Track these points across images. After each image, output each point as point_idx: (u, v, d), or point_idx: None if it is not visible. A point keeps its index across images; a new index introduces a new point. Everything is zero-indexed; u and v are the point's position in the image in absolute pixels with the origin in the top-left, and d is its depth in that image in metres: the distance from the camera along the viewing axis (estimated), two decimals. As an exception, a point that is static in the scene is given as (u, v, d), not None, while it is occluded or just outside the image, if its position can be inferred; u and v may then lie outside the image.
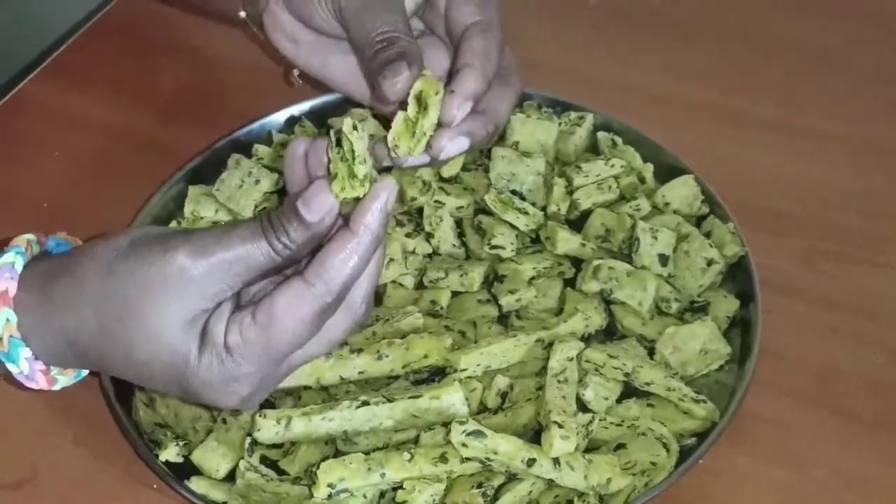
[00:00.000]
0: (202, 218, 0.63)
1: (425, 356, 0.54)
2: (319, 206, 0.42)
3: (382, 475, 0.49)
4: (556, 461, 0.49)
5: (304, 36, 0.58)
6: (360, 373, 0.54)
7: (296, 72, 0.62)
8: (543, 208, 0.62)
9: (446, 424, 0.51)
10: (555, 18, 0.78)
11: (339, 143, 0.43)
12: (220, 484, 0.51)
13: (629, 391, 0.55)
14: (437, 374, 0.55)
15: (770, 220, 0.64)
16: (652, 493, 0.49)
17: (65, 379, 0.48)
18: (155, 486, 0.53)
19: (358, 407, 0.51)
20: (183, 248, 0.42)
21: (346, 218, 0.43)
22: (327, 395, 0.54)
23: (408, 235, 0.61)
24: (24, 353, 0.46)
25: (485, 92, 0.50)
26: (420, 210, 0.62)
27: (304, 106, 0.69)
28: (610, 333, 0.58)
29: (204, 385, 0.43)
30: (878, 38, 0.76)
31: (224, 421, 0.53)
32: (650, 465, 0.51)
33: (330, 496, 0.49)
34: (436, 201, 0.62)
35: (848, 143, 0.69)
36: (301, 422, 0.51)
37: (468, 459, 0.50)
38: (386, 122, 0.50)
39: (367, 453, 0.50)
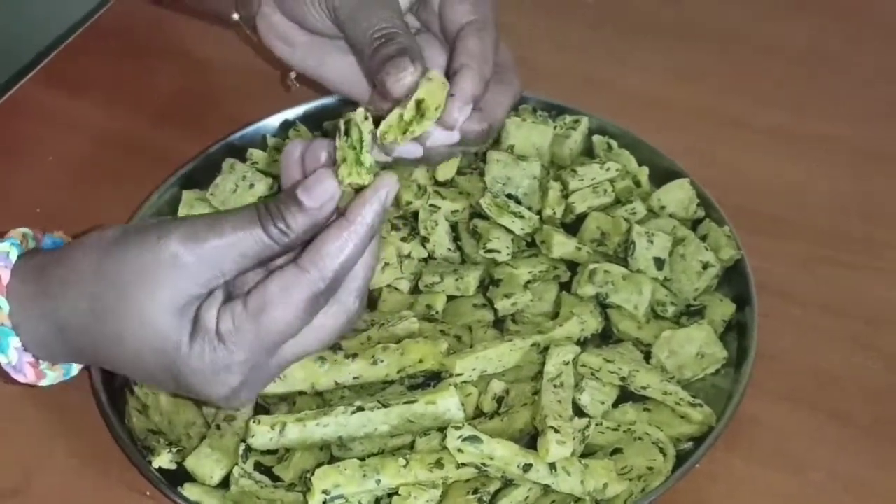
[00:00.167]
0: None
1: (421, 361, 0.53)
2: (321, 193, 0.42)
3: (378, 481, 0.49)
4: (552, 466, 0.49)
5: (298, 37, 0.58)
6: (354, 378, 0.53)
7: (293, 75, 0.62)
8: (539, 212, 0.62)
9: (442, 430, 0.51)
10: (550, 19, 0.78)
11: (346, 133, 0.43)
12: (214, 491, 0.51)
13: (625, 395, 0.54)
14: (432, 379, 0.55)
15: (766, 224, 0.64)
16: (649, 497, 0.49)
17: (53, 374, 0.48)
18: (148, 494, 0.52)
19: (353, 412, 0.51)
20: (176, 234, 0.42)
21: (341, 213, 0.43)
22: (322, 400, 0.54)
23: (403, 239, 0.61)
24: (14, 342, 0.46)
25: (483, 93, 0.50)
26: (415, 214, 0.62)
27: (299, 110, 0.69)
28: (606, 337, 0.58)
29: (194, 373, 0.43)
30: (878, 40, 0.76)
31: (218, 427, 0.53)
32: (647, 470, 0.51)
33: (325, 503, 0.48)
34: (431, 205, 0.62)
35: (846, 146, 0.69)
36: (296, 428, 0.50)
37: (464, 465, 0.49)
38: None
39: (362, 459, 0.50)
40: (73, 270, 0.44)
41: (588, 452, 0.52)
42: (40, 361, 0.47)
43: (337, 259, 0.42)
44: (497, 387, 0.54)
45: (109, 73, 0.76)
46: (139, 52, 0.77)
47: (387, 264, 0.59)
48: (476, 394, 0.54)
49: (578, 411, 0.53)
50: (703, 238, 0.60)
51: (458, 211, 0.62)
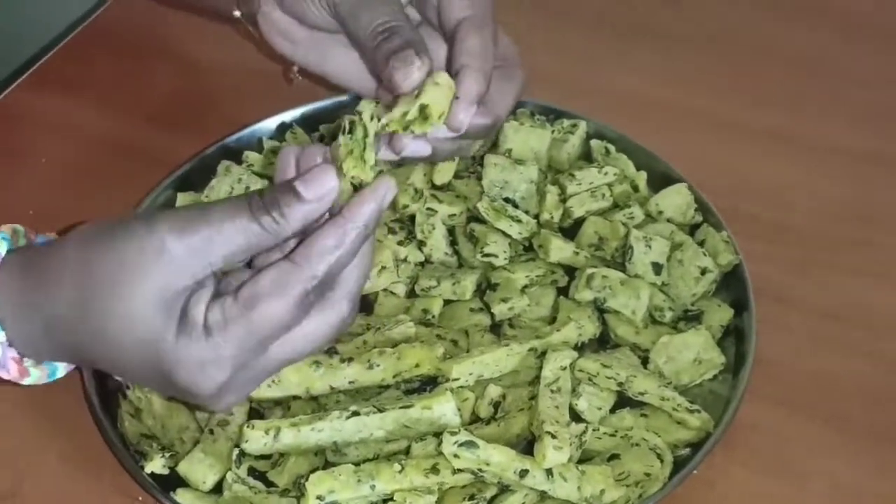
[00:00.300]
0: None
1: (417, 365, 0.53)
2: (320, 185, 0.42)
3: (373, 487, 0.48)
4: (548, 472, 0.49)
5: (299, 33, 0.58)
6: (350, 382, 0.53)
7: (295, 69, 0.61)
8: (536, 216, 0.62)
9: (438, 435, 0.50)
10: (547, 22, 0.78)
11: (350, 131, 0.43)
12: (207, 496, 0.51)
13: (623, 401, 0.54)
14: (428, 384, 0.54)
15: (764, 229, 0.64)
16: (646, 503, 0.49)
17: (37, 373, 0.47)
18: (140, 499, 0.52)
19: (348, 417, 0.50)
20: (163, 224, 0.41)
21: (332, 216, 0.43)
22: (317, 405, 0.54)
23: (399, 243, 0.60)
24: None
25: (486, 90, 0.49)
26: (412, 218, 0.62)
27: (296, 112, 0.68)
28: (603, 342, 0.57)
29: (179, 365, 0.42)
30: (876, 42, 0.76)
31: (211, 432, 0.52)
32: (644, 476, 0.50)
33: (319, 508, 0.48)
34: (428, 209, 0.61)
35: (844, 149, 0.69)
36: (290, 432, 0.50)
37: (460, 471, 0.49)
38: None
39: (357, 465, 0.49)
40: (59, 262, 0.43)
41: (585, 458, 0.51)
42: (25, 359, 0.46)
43: (331, 256, 0.42)
44: (494, 392, 0.53)
45: (104, 75, 0.75)
46: (134, 54, 0.77)
47: (383, 268, 0.59)
48: (472, 399, 0.54)
49: (575, 417, 0.53)
50: (701, 243, 0.60)
51: (455, 215, 0.62)
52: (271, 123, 0.68)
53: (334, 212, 0.44)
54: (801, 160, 0.68)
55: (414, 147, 0.46)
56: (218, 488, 0.51)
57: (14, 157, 0.70)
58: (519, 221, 0.60)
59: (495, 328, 0.58)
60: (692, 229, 0.62)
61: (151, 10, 0.79)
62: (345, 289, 0.44)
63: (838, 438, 0.54)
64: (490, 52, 0.49)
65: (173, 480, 0.51)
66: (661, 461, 0.51)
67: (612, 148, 0.65)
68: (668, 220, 0.61)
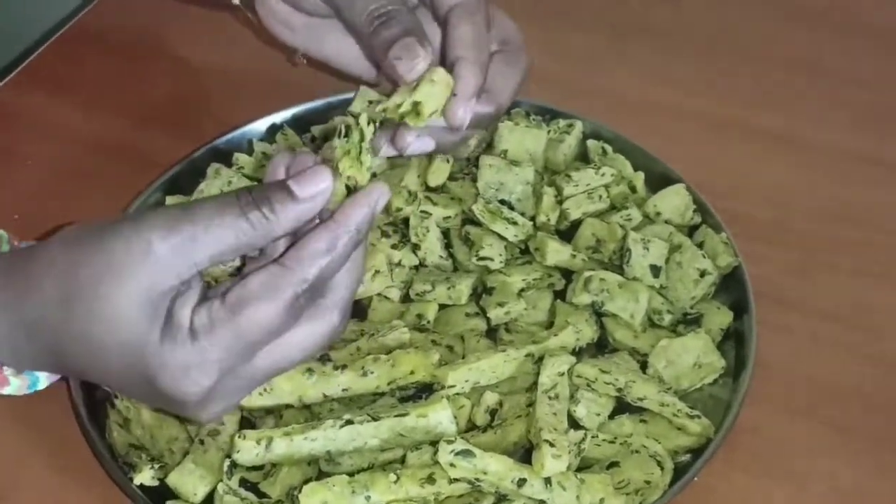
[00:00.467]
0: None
1: (412, 372, 0.52)
2: (313, 185, 0.41)
3: (368, 498, 0.47)
4: (547, 481, 0.48)
5: (297, 19, 0.57)
6: (343, 390, 0.52)
7: (300, 52, 0.60)
8: (532, 218, 0.61)
9: (434, 443, 0.49)
10: (544, 22, 0.77)
11: (346, 135, 0.42)
12: (198, 508, 0.50)
13: (621, 406, 0.53)
14: (424, 391, 0.53)
15: (763, 230, 0.63)
16: (647, 512, 0.48)
17: (17, 383, 0.46)
18: (129, 511, 0.51)
19: (342, 426, 0.49)
20: (149, 224, 0.40)
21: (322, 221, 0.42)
22: (310, 413, 0.53)
23: (393, 247, 0.59)
24: None
25: (484, 81, 0.48)
26: (406, 221, 0.61)
27: (287, 113, 0.67)
28: (601, 346, 0.57)
29: (163, 369, 0.41)
30: (874, 45, 0.76)
31: (202, 442, 0.51)
32: (644, 484, 0.49)
33: (313, 520, 0.47)
34: (422, 211, 0.60)
35: (843, 151, 0.68)
36: (282, 442, 0.49)
37: (456, 480, 0.48)
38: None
39: (351, 475, 0.48)
40: (43, 263, 0.42)
41: (584, 466, 0.50)
42: (5, 367, 0.45)
43: (322, 259, 0.41)
44: (490, 399, 0.52)
45: (91, 75, 0.74)
46: (122, 54, 0.76)
47: (377, 272, 0.58)
48: (469, 406, 0.53)
49: (574, 423, 0.52)
50: (700, 245, 0.59)
51: (449, 217, 0.61)
52: (262, 125, 0.67)
53: (324, 217, 0.43)
54: (801, 161, 0.68)
55: (417, 145, 0.45)
56: (209, 500, 0.50)
57: (-1, 158, 0.69)
58: (515, 224, 0.59)
59: (491, 333, 0.57)
60: (691, 231, 0.61)
61: (141, 9, 0.78)
62: (336, 296, 0.43)
63: (839, 441, 0.54)
64: (484, 41, 0.48)
65: (163, 492, 0.50)
66: (662, 468, 0.50)
67: (608, 148, 0.64)
68: (667, 222, 0.60)
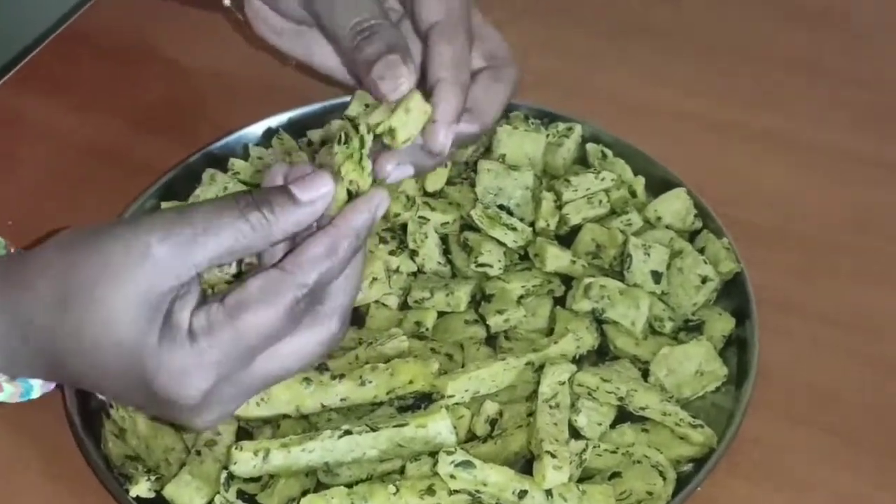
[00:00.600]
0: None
1: (411, 382, 0.51)
2: (314, 189, 0.41)
3: (366, 510, 0.47)
4: (548, 493, 0.47)
5: (284, 25, 0.56)
6: (342, 400, 0.51)
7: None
8: (532, 224, 0.60)
9: (433, 454, 0.49)
10: (541, 24, 0.76)
11: (346, 141, 0.42)
12: (195, 520, 0.49)
13: (623, 414, 0.53)
14: (423, 400, 0.53)
15: (763, 235, 0.62)
16: (649, 524, 0.47)
17: (10, 389, 0.46)
18: (125, 523, 0.50)
19: (340, 437, 0.49)
20: (147, 225, 0.40)
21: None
22: (308, 423, 0.52)
23: (391, 253, 0.59)
24: None
25: (465, 101, 0.47)
26: (404, 226, 0.60)
27: (283, 117, 0.67)
28: (602, 354, 0.56)
29: (160, 371, 0.40)
30: (873, 47, 0.75)
31: (198, 453, 0.51)
32: (646, 495, 0.49)
33: (311, 532, 0.46)
34: (420, 217, 0.60)
35: (844, 153, 0.67)
36: (280, 453, 0.48)
37: (456, 492, 0.48)
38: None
39: (349, 486, 0.47)
40: (39, 265, 0.42)
41: (585, 477, 0.50)
42: None
43: (322, 264, 0.41)
44: (490, 408, 0.52)
45: (85, 79, 0.74)
46: (116, 57, 0.75)
47: (374, 279, 0.57)
48: (468, 416, 0.52)
49: (575, 433, 0.51)
50: (701, 250, 0.58)
51: (448, 223, 0.60)
52: (257, 129, 0.66)
53: (322, 224, 0.43)
54: (802, 163, 0.67)
55: (397, 173, 0.45)
56: (206, 512, 0.49)
57: (-9, 163, 0.68)
58: (514, 229, 0.59)
59: (491, 340, 0.56)
60: (692, 236, 0.60)
61: (136, 12, 0.77)
62: (334, 303, 0.43)
63: (842, 449, 0.53)
64: (465, 60, 0.47)
65: (159, 504, 0.50)
66: (664, 479, 0.49)
67: (608, 152, 0.63)
68: (667, 227, 0.60)
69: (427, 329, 0.56)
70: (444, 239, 0.61)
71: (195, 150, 0.65)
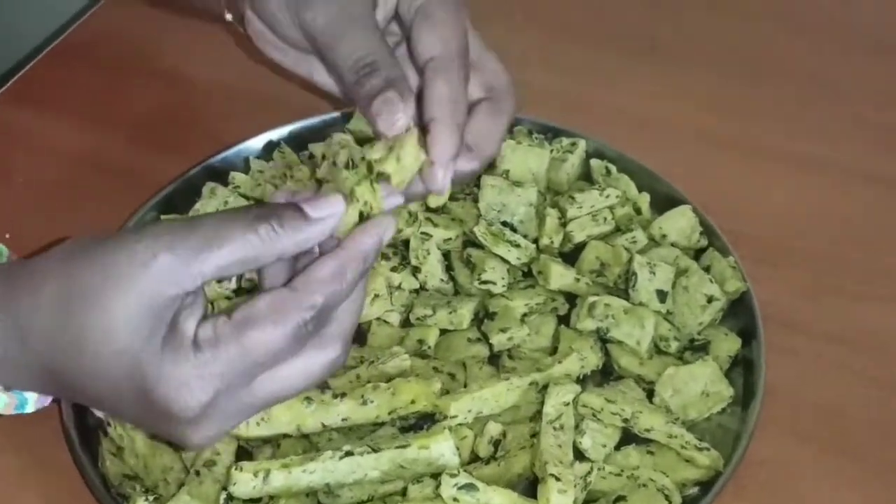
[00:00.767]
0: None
1: (413, 402, 0.51)
2: (325, 207, 0.41)
3: (368, 533, 0.46)
4: (553, 517, 0.46)
5: (285, 44, 0.55)
6: (343, 419, 0.51)
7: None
8: (535, 241, 0.59)
9: (436, 476, 0.48)
10: (544, 39, 0.76)
11: (354, 166, 0.43)
12: (193, 542, 0.48)
13: (627, 435, 0.52)
14: (425, 420, 0.52)
15: (768, 252, 0.62)
16: (654, 549, 0.47)
17: (4, 399, 0.45)
18: (122, 545, 0.49)
19: (341, 457, 0.48)
20: (153, 233, 0.40)
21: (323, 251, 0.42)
22: (308, 443, 0.51)
23: (393, 269, 0.58)
24: None
25: (461, 140, 0.46)
26: (406, 242, 0.59)
27: (284, 130, 0.66)
28: (606, 373, 0.55)
29: (161, 380, 0.40)
30: (882, 64, 0.75)
31: (197, 473, 0.50)
32: (652, 519, 0.48)
33: (311, 556, 0.46)
34: (422, 233, 0.59)
35: (849, 172, 0.67)
36: (280, 474, 0.48)
37: (459, 515, 0.47)
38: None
39: (351, 508, 0.47)
40: (42, 271, 0.41)
41: (590, 500, 0.49)
42: None
43: (330, 286, 0.41)
44: (494, 429, 0.51)
45: (83, 91, 0.73)
46: (115, 68, 0.74)
47: (376, 296, 0.56)
48: (471, 437, 0.51)
49: (579, 455, 0.51)
50: (707, 269, 0.58)
51: (450, 239, 0.60)
52: (258, 142, 0.66)
53: (326, 248, 0.42)
54: (807, 181, 0.67)
55: (389, 201, 0.44)
56: (204, 534, 0.49)
57: (-11, 176, 0.68)
58: (518, 246, 0.58)
59: (494, 359, 0.56)
60: (697, 254, 0.60)
61: (133, 23, 0.77)
62: (339, 326, 0.42)
63: (848, 468, 0.53)
64: (461, 99, 0.46)
65: (157, 525, 0.49)
66: (670, 502, 0.49)
67: (612, 168, 0.63)
68: (673, 245, 0.59)
69: (429, 347, 0.56)
70: (446, 255, 0.60)
71: (194, 162, 0.64)
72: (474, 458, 0.51)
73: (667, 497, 0.49)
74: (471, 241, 0.60)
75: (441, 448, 0.48)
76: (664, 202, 0.61)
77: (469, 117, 0.47)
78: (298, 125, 0.66)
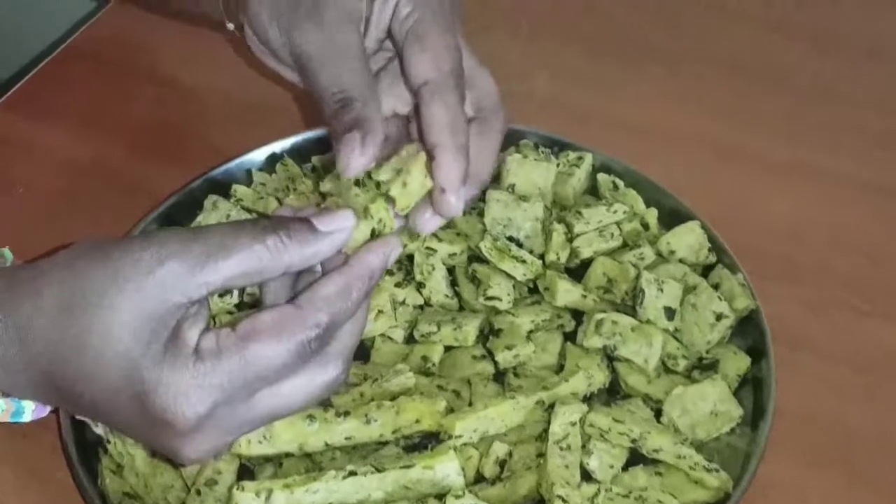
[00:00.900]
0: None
1: (417, 421, 0.50)
2: (335, 222, 0.41)
3: (372, 556, 0.45)
4: (560, 539, 0.46)
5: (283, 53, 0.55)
6: (346, 438, 0.50)
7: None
8: (541, 256, 0.59)
9: (441, 496, 0.47)
10: (549, 49, 0.75)
11: (363, 185, 0.43)
12: (194, 563, 0.47)
13: (635, 455, 0.51)
14: (429, 439, 0.51)
15: (777, 267, 0.61)
16: (663, 573, 0.46)
17: (1, 405, 0.44)
18: (122, 565, 0.49)
19: (345, 477, 0.47)
20: (160, 239, 0.39)
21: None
22: (311, 462, 0.50)
23: (397, 285, 0.57)
24: None
25: (468, 162, 0.46)
26: (410, 257, 0.59)
27: (286, 142, 0.65)
28: (612, 392, 0.55)
29: (160, 387, 0.39)
30: (889, 74, 0.74)
31: (198, 492, 0.49)
32: (660, 542, 0.47)
33: (314, 579, 0.45)
34: (427, 248, 0.58)
35: (857, 185, 0.66)
36: (282, 495, 0.47)
37: (465, 537, 0.46)
38: None
39: (354, 530, 0.46)
40: (45, 272, 0.41)
41: (597, 522, 0.48)
42: None
43: (335, 304, 0.40)
44: (500, 449, 0.50)
45: (84, 100, 0.72)
46: (116, 78, 0.74)
47: (380, 312, 0.56)
48: (477, 456, 0.51)
49: (586, 475, 0.50)
50: (716, 286, 0.57)
51: (455, 254, 0.59)
52: (261, 154, 0.65)
53: (329, 268, 0.42)
54: (816, 194, 0.66)
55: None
56: (205, 555, 0.48)
57: (-11, 187, 0.67)
58: (523, 262, 0.57)
59: (499, 376, 0.55)
60: (705, 270, 0.59)
61: (135, 32, 0.76)
62: (340, 344, 0.42)
63: (861, 492, 0.52)
64: (460, 119, 0.46)
65: (157, 546, 0.48)
66: (678, 525, 0.48)
67: (620, 183, 0.62)
68: (681, 261, 0.58)
69: (434, 364, 0.55)
70: (451, 271, 0.59)
71: (195, 172, 0.63)
72: (479, 478, 0.51)
73: (675, 519, 0.48)
74: (476, 257, 0.59)
75: (446, 469, 0.47)
76: (671, 217, 0.60)
77: None
78: (301, 137, 0.65)
